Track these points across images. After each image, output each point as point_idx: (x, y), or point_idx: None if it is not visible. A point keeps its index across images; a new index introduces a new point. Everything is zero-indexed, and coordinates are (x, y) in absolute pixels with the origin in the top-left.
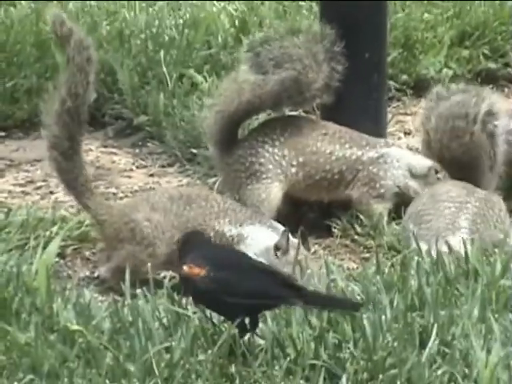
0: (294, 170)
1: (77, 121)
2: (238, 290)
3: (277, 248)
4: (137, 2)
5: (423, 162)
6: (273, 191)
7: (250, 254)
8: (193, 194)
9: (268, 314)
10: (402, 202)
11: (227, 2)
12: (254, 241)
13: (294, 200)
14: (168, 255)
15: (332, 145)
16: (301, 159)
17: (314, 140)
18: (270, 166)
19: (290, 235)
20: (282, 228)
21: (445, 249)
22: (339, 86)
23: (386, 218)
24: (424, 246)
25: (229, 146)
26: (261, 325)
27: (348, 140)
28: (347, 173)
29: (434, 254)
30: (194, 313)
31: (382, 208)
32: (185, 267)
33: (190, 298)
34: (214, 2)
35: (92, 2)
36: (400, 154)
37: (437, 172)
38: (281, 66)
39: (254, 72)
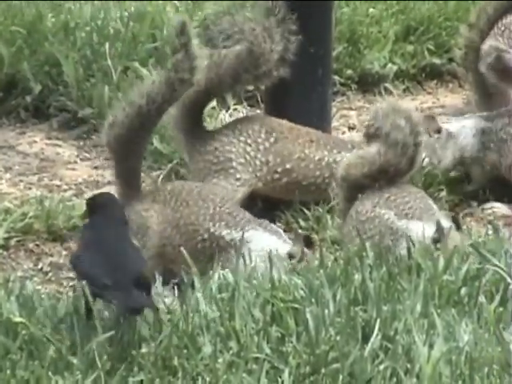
0: (276, 176)
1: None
2: (78, 270)
3: (291, 256)
4: None
5: None
6: (235, 194)
7: (253, 258)
8: (194, 191)
9: (211, 305)
10: None
11: None
12: (257, 245)
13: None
14: (159, 248)
15: (320, 151)
16: (288, 166)
17: (302, 147)
18: (247, 170)
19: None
20: (281, 232)
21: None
22: (287, 74)
23: None
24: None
25: (195, 132)
26: (202, 320)
27: (334, 145)
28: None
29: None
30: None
31: None
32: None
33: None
34: None
35: None
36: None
37: None
38: (232, 38)
39: (205, 46)
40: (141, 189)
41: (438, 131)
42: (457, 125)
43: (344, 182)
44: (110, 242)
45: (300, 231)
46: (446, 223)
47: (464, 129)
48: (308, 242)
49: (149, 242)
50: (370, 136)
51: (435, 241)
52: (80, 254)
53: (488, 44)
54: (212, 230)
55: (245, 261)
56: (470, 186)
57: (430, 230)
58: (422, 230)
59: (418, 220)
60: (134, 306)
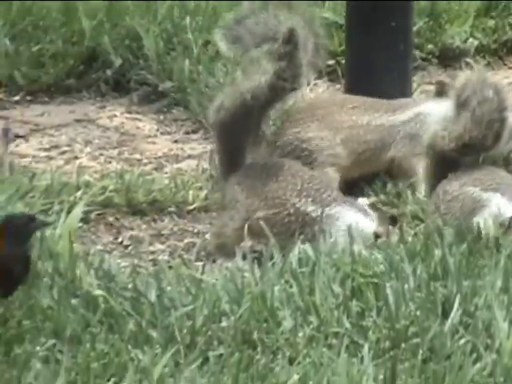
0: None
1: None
2: None
3: (377, 235)
4: None
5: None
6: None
7: (337, 235)
8: (285, 166)
9: (291, 279)
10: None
11: None
12: (343, 223)
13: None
14: (245, 221)
15: (367, 115)
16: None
17: (349, 115)
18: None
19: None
20: (368, 209)
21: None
22: (362, 56)
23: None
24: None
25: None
26: (282, 294)
27: (378, 108)
28: (387, 138)
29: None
30: (216, 279)
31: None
32: None
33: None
34: None
35: None
36: (432, 109)
37: None
38: (259, 38)
39: (233, 47)
40: (242, 166)
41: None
42: None
43: (430, 151)
44: None
45: (383, 208)
46: None
47: None
48: (392, 221)
49: (236, 214)
50: (460, 105)
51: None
52: None
53: None
54: (298, 205)
55: (327, 236)
56: None
57: (510, 207)
58: (503, 204)
59: (501, 195)
60: None
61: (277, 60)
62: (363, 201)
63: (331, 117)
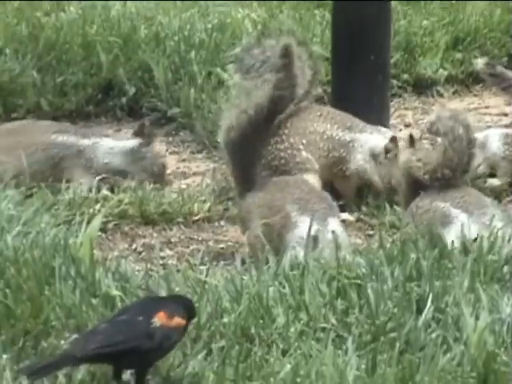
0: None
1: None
2: None
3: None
4: (171, 8)
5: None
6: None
7: (322, 242)
8: (291, 181)
9: (285, 282)
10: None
11: (251, 9)
12: (327, 232)
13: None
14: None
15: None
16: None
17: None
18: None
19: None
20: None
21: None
22: (346, 85)
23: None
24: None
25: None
26: (276, 293)
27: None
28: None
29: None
30: (218, 281)
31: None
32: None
33: None
34: (239, 9)
35: (132, 9)
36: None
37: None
38: (264, 67)
39: (243, 77)
40: (255, 182)
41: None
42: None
43: (405, 175)
44: None
45: (365, 219)
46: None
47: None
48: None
49: (251, 223)
50: (431, 133)
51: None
52: None
53: None
54: (291, 214)
55: (315, 244)
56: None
57: (475, 226)
58: (468, 223)
59: (468, 213)
60: None
61: (274, 73)
62: (344, 215)
63: (298, 124)
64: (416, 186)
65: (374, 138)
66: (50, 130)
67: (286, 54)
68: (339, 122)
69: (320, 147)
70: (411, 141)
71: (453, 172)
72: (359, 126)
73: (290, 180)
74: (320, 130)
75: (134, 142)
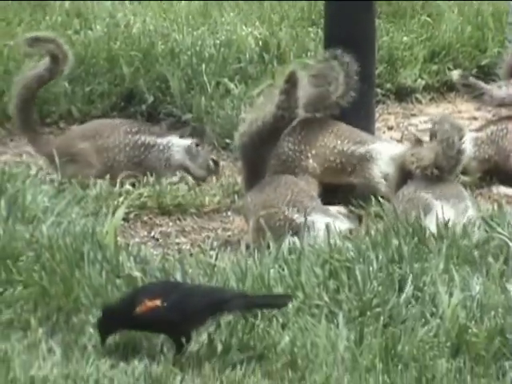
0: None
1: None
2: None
3: (350, 231)
4: (184, 26)
5: None
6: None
7: (320, 232)
8: (282, 181)
9: (284, 265)
10: None
11: (253, 27)
12: (321, 225)
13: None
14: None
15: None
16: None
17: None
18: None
19: None
20: (339, 215)
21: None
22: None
23: None
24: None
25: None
26: (276, 275)
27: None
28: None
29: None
30: (226, 264)
31: None
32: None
33: None
34: (243, 27)
35: (151, 27)
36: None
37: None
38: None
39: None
40: (259, 181)
41: None
42: None
43: (399, 166)
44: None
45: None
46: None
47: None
48: (360, 219)
49: (250, 218)
50: (431, 134)
51: None
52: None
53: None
54: (286, 213)
55: (310, 233)
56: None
57: (451, 215)
58: (447, 212)
59: (447, 203)
60: None
61: (279, 95)
62: (339, 208)
63: (311, 135)
64: (406, 176)
65: (389, 147)
66: (126, 129)
67: (290, 80)
68: (349, 137)
69: (329, 160)
70: (417, 142)
71: (441, 171)
72: (368, 138)
73: (282, 180)
74: (330, 145)
75: (188, 141)
